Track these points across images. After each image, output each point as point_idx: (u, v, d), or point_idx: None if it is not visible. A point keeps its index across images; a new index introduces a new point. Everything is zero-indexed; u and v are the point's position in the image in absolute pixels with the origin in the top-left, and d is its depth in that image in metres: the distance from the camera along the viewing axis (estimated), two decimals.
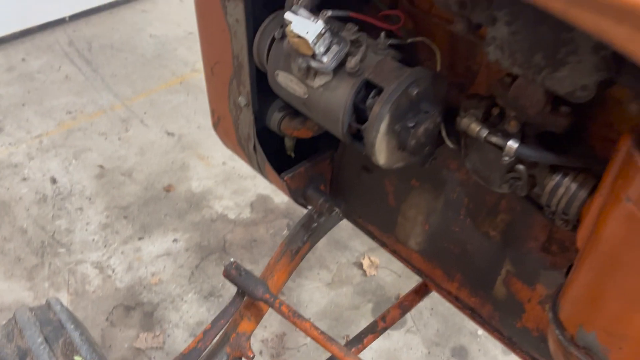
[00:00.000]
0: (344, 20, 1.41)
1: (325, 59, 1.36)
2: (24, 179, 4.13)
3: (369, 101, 1.35)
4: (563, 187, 1.23)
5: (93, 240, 3.80)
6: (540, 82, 1.13)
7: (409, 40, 1.44)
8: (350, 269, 3.69)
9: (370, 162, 1.85)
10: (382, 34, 1.38)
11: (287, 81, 1.49)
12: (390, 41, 1.38)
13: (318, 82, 1.41)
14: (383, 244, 1.95)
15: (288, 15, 1.35)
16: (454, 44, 1.49)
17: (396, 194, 1.80)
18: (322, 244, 3.82)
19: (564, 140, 1.28)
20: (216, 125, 2.04)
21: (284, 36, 1.48)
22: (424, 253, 1.80)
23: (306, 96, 1.45)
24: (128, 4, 5.93)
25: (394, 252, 1.92)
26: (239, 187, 4.18)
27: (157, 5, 6.02)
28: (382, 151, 1.36)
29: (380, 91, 1.34)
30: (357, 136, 1.44)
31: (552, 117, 1.19)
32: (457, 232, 1.68)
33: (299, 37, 1.32)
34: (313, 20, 1.32)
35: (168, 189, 4.12)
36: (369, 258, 3.69)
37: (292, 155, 1.97)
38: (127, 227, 3.89)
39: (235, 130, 1.91)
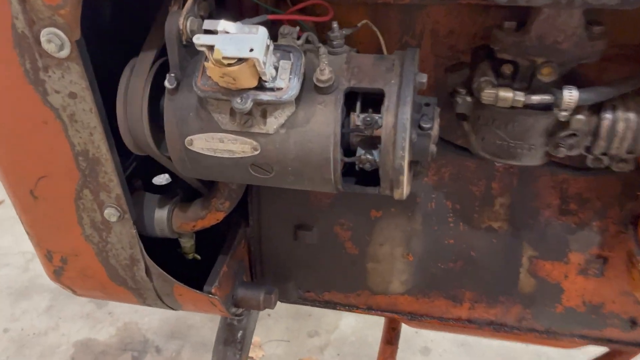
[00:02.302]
0: None
1: (282, 83, 0.89)
2: None
3: (362, 117, 0.93)
4: (622, 122, 1.00)
5: None
6: (580, 2, 0.87)
7: (360, 24, 1.06)
8: None
9: (308, 217, 1.40)
10: (336, 26, 0.97)
11: (213, 145, 0.96)
12: (344, 31, 0.98)
13: (275, 122, 0.92)
14: (352, 307, 1.52)
15: (205, 39, 0.84)
16: (382, 23, 1.15)
17: (356, 237, 1.39)
18: (189, 355, 3.13)
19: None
20: (60, 272, 1.33)
21: (179, 84, 0.96)
22: (414, 291, 1.44)
23: (257, 152, 0.95)
24: None
25: (370, 310, 1.51)
26: (44, 347, 3.18)
27: None
28: (406, 176, 0.95)
29: (373, 97, 0.94)
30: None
31: (590, 44, 0.95)
32: (453, 244, 1.36)
33: (239, 61, 0.83)
34: (252, 31, 0.84)
35: None
36: None
37: (197, 257, 1.39)
38: None
39: (104, 263, 1.26)
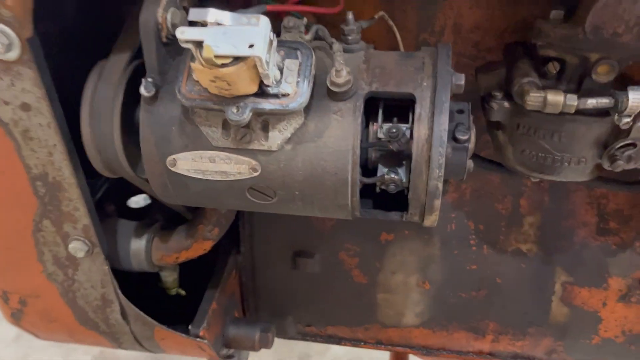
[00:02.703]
0: None
1: (288, 88, 0.71)
2: None
3: (386, 129, 0.75)
4: None
5: None
6: None
7: (377, 16, 0.88)
8: None
9: (309, 243, 1.23)
10: (351, 18, 0.79)
11: (202, 166, 0.78)
12: (361, 23, 0.80)
13: (279, 136, 0.74)
14: (359, 342, 1.35)
15: (191, 33, 0.66)
16: (397, 18, 0.98)
17: (364, 265, 1.22)
18: None
19: None
20: (18, 315, 1.14)
21: (158, 91, 0.77)
22: (431, 323, 1.27)
23: (257, 173, 0.77)
24: None
25: (379, 344, 1.33)
26: None
27: None
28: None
29: (395, 104, 0.77)
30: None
31: None
32: (476, 270, 1.19)
33: (235, 60, 0.65)
34: (251, 22, 0.66)
35: None
36: None
37: (182, 292, 1.20)
38: None
39: (70, 305, 1.07)
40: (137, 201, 1.41)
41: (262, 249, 1.27)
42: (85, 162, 0.91)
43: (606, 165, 0.87)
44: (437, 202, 0.76)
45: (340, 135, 0.74)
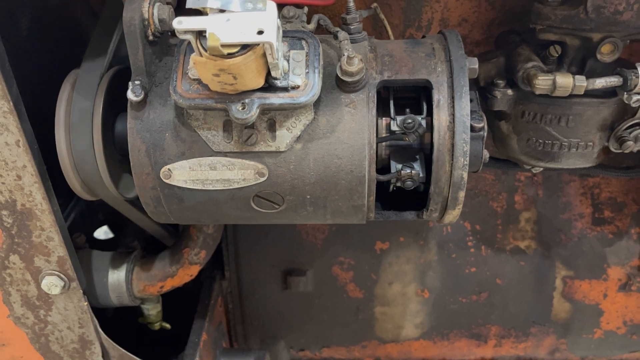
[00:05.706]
0: None
1: (298, 80, 0.65)
2: None
3: (401, 120, 0.70)
4: None
5: None
6: None
7: (373, 6, 0.84)
8: None
9: (300, 260, 1.15)
10: (352, 5, 0.74)
11: (201, 175, 0.70)
12: (362, 12, 0.75)
13: (288, 135, 0.68)
14: None
15: (191, 22, 0.59)
16: (386, 14, 0.94)
17: (359, 278, 1.17)
18: None
19: None
20: None
21: (147, 95, 0.69)
22: (431, 333, 1.22)
23: (264, 177, 0.70)
24: None
25: None
26: None
27: None
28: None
29: (400, 98, 0.72)
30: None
31: None
32: (475, 273, 1.16)
33: (243, 49, 0.59)
34: (257, 7, 0.59)
35: None
36: None
37: (167, 325, 1.10)
38: None
39: (43, 351, 0.95)
40: (105, 232, 1.30)
41: (248, 271, 1.18)
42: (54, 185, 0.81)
43: (614, 147, 0.86)
44: (462, 194, 0.71)
45: (355, 128, 0.68)
